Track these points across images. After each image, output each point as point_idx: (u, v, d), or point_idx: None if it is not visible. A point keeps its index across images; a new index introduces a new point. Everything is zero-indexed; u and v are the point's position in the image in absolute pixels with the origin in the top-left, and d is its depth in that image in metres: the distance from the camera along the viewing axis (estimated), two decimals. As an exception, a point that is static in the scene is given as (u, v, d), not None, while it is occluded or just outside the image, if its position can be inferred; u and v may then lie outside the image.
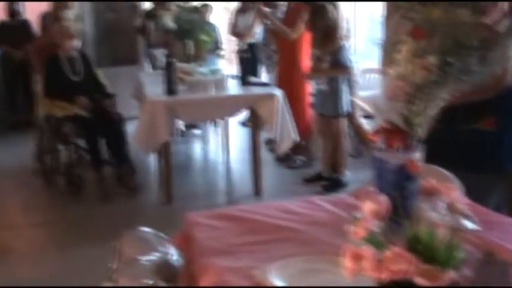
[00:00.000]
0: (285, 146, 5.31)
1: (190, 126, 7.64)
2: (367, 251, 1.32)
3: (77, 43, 5.74)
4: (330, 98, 5.30)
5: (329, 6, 5.29)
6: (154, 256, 1.84)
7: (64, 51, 5.66)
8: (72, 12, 6.49)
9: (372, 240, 1.34)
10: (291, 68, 6.05)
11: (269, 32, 6.56)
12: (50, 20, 7.03)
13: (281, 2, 6.94)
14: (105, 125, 5.53)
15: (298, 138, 5.37)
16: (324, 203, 2.32)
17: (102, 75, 6.09)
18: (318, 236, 1.99)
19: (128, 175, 5.60)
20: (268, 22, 6.23)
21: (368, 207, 1.45)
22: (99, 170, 5.48)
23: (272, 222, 2.14)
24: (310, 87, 6.08)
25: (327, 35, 5.23)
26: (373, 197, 1.58)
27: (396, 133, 1.70)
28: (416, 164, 1.65)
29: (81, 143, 5.57)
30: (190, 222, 2.23)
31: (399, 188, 1.69)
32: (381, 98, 1.76)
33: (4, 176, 6.36)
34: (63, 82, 5.60)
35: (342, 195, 2.46)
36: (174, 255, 1.89)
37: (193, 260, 1.95)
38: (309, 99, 6.15)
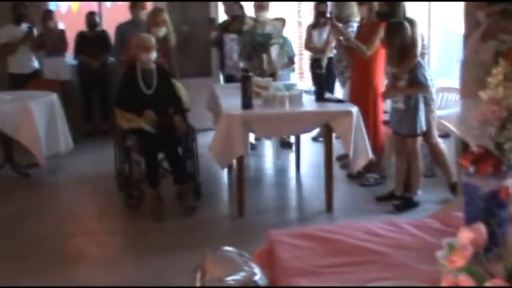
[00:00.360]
0: (359, 164, 5.28)
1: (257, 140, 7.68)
2: (466, 281, 1.30)
3: (154, 55, 5.66)
4: (406, 116, 5.24)
5: (406, 23, 5.25)
6: (239, 276, 1.86)
7: (141, 63, 5.62)
8: (164, 30, 6.59)
9: (471, 270, 1.31)
10: (365, 84, 6.00)
11: (342, 48, 6.52)
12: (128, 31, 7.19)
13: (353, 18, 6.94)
14: (168, 141, 5.45)
15: (372, 156, 5.33)
16: (407, 226, 2.30)
17: (183, 89, 6.13)
18: (403, 260, 1.97)
19: (186, 194, 5.49)
20: (343, 38, 6.20)
21: (465, 235, 1.43)
22: (153, 186, 5.41)
23: (356, 243, 2.13)
24: (384, 105, 6.04)
25: (404, 53, 5.17)
26: (467, 224, 1.56)
27: (488, 158, 1.67)
28: (509, 191, 1.62)
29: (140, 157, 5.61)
30: (273, 240, 2.24)
31: (491, 215, 1.66)
32: (470, 121, 1.73)
33: (81, 183, 6.56)
34: (134, 94, 5.56)
35: (426, 219, 2.42)
36: (258, 274, 1.90)
37: (277, 279, 1.96)
38: (382, 116, 6.11)
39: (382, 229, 2.28)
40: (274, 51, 7.19)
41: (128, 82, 5.63)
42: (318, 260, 1.99)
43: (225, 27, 8.12)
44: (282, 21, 8.30)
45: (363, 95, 5.96)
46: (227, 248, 2.04)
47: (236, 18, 7.90)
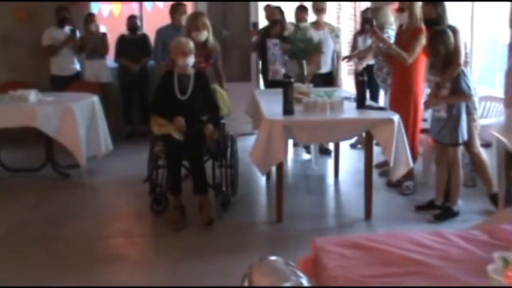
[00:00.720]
0: (400, 173, 5.24)
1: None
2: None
3: (191, 60, 5.52)
4: (448, 125, 5.20)
5: (449, 31, 5.21)
6: (287, 285, 1.86)
7: (178, 68, 5.53)
8: (205, 34, 6.21)
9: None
10: (405, 91, 5.96)
11: (382, 55, 6.49)
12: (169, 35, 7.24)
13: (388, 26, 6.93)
14: (193, 150, 5.31)
15: (412, 165, 5.30)
16: (455, 238, 2.28)
17: (225, 96, 6.07)
18: (451, 272, 1.96)
19: (205, 206, 5.36)
20: (382, 45, 6.17)
21: (521, 251, 1.42)
22: (174, 194, 5.34)
23: (403, 254, 2.13)
24: (423, 113, 6.00)
25: (448, 61, 5.13)
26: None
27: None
28: None
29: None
30: (319, 249, 2.25)
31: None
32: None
33: (119, 185, 6.66)
34: (168, 100, 5.47)
35: (473, 231, 2.40)
36: (305, 283, 1.90)
37: (325, 289, 1.97)
38: (421, 124, 6.07)
39: (429, 240, 2.27)
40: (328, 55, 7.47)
41: (164, 87, 5.54)
42: (365, 269, 1.99)
43: (266, 31, 8.16)
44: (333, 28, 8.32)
45: (402, 102, 5.92)
46: (273, 257, 2.04)
47: (276, 22, 7.94)
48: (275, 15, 8.10)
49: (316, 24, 7.73)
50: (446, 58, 5.12)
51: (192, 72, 5.58)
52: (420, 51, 5.80)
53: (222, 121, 5.87)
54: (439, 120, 5.30)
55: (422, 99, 5.95)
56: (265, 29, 8.33)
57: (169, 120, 5.39)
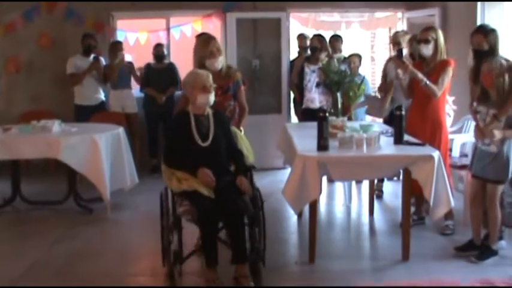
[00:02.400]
0: (440, 213, 5.20)
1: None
2: None
3: (212, 98, 4.93)
4: (496, 161, 5.14)
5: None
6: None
7: (195, 107, 4.90)
8: (221, 60, 5.63)
9: None
10: (435, 127, 5.95)
11: (402, 87, 6.37)
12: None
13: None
14: (230, 208, 4.57)
15: (453, 204, 5.24)
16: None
17: (246, 140, 5.35)
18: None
19: (243, 277, 4.60)
20: (419, 79, 6.11)
21: None
22: (210, 265, 4.59)
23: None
24: (458, 148, 5.99)
25: (507, 94, 5.10)
26: None
27: None
28: None
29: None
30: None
31: None
32: None
33: (144, 221, 6.68)
34: (186, 147, 4.78)
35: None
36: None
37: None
38: (449, 156, 6.07)
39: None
40: None
41: (179, 132, 4.83)
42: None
43: (307, 59, 8.17)
44: (358, 57, 8.32)
45: (432, 137, 5.88)
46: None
47: (316, 49, 7.91)
48: (313, 43, 8.05)
49: (331, 58, 7.75)
50: (506, 91, 5.09)
51: (210, 112, 4.97)
52: (448, 84, 5.88)
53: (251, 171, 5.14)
54: (486, 155, 5.23)
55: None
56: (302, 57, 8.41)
57: (191, 172, 4.70)
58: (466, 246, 5.47)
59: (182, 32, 9.54)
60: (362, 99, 7.19)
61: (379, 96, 7.53)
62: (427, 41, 5.94)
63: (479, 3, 7.58)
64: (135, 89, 9.20)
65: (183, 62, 8.60)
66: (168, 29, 9.60)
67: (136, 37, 9.56)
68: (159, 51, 9.04)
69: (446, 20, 8.53)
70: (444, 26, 8.28)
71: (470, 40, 5.78)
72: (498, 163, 5.16)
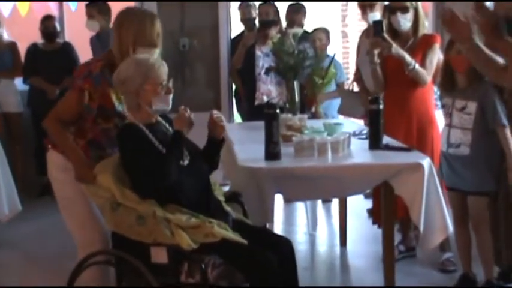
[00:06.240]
0: (434, 242, 5.12)
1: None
2: None
3: (170, 101, 4.37)
4: (472, 166, 5.24)
5: None
6: None
7: (143, 115, 4.31)
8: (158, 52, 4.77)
9: None
10: (424, 125, 6.11)
11: (374, 74, 6.42)
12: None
13: None
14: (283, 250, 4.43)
15: (451, 230, 5.25)
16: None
17: None
18: None
19: None
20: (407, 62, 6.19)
21: None
22: None
23: None
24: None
25: None
26: None
27: None
28: None
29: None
30: None
31: None
32: None
33: (29, 265, 6.62)
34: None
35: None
36: None
37: None
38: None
39: None
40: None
41: (148, 154, 4.17)
42: None
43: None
44: (324, 32, 8.33)
45: (421, 139, 6.03)
46: None
47: (270, 24, 7.95)
48: (269, 15, 8.09)
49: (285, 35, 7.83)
50: None
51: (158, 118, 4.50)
52: (435, 68, 6.00)
53: None
54: (455, 159, 5.32)
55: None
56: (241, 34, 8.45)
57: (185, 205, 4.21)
58: (460, 283, 5.50)
59: (80, 2, 9.47)
60: (333, 87, 7.20)
61: (355, 89, 7.38)
62: (404, 10, 5.94)
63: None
64: (18, 79, 9.06)
65: (81, 42, 8.54)
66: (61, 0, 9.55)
67: (12, 5, 9.41)
68: (48, 26, 8.90)
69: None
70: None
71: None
72: (476, 168, 5.25)
